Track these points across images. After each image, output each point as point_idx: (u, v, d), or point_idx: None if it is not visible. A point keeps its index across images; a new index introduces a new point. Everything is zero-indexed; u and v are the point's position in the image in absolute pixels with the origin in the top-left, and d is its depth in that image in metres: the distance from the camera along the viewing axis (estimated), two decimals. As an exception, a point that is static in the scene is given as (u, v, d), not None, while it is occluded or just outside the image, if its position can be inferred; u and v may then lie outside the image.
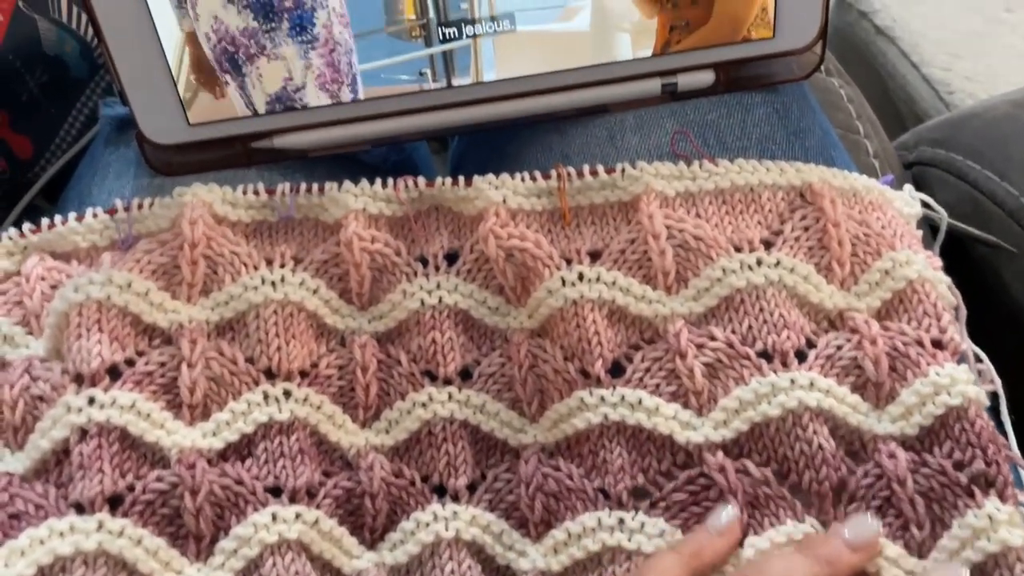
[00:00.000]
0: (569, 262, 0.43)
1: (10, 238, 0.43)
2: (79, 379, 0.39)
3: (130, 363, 0.40)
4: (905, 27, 0.93)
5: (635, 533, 0.39)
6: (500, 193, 0.43)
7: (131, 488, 0.38)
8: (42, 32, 0.54)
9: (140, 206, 0.43)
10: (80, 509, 0.37)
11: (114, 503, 0.38)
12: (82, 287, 0.40)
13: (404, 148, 0.55)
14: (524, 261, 0.43)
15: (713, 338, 0.41)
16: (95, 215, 0.43)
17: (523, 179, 0.44)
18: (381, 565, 0.40)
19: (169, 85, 0.44)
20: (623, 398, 0.40)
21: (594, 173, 0.44)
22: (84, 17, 0.58)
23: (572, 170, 0.44)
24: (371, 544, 0.41)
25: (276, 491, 0.40)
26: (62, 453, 0.38)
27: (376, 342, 0.43)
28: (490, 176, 0.44)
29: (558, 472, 0.41)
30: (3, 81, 0.51)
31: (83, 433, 0.37)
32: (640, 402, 0.40)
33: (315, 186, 0.44)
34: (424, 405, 0.42)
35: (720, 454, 0.39)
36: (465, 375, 0.43)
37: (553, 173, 0.44)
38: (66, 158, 0.55)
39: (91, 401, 0.38)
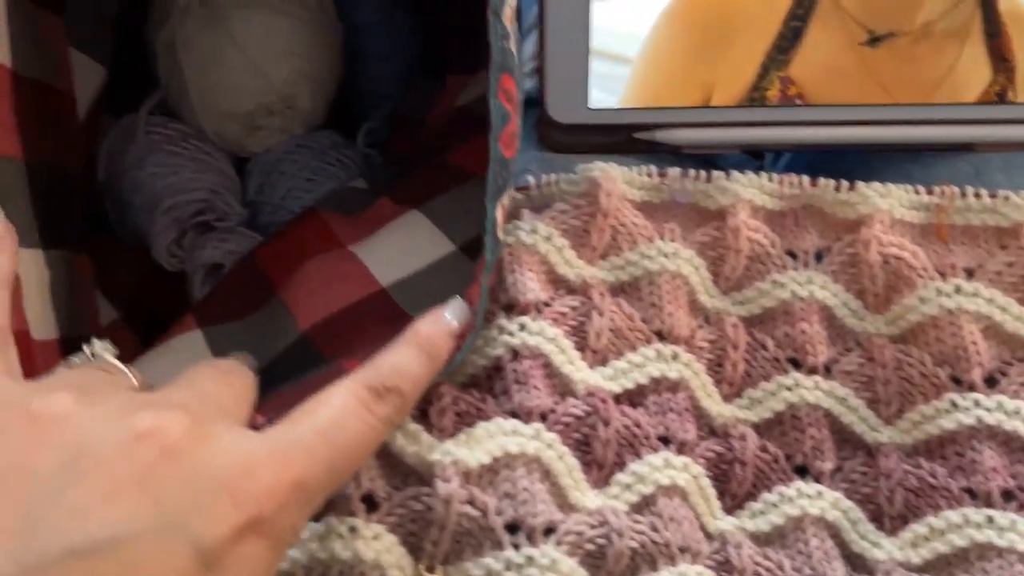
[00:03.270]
0: (943, 276, 0.45)
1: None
2: (509, 308, 0.42)
3: (547, 304, 0.44)
4: None
5: (1006, 531, 0.40)
6: (887, 201, 0.46)
7: (552, 411, 0.41)
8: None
9: (548, 184, 0.47)
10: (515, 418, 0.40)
11: (535, 421, 0.41)
12: (511, 231, 0.44)
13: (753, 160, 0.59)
14: (898, 269, 0.45)
15: (1103, 363, 0.43)
16: (509, 179, 0.48)
17: (905, 191, 0.47)
18: (742, 530, 0.42)
19: (583, 69, 0.49)
20: (1000, 404, 0.42)
21: (978, 195, 0.46)
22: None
23: (957, 189, 0.46)
24: (729, 510, 0.43)
25: (664, 440, 0.42)
26: (493, 369, 0.41)
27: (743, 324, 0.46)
28: (876, 183, 0.47)
29: (919, 470, 0.43)
30: None
31: (515, 353, 0.41)
32: (1018, 411, 0.42)
33: (702, 173, 0.48)
34: (790, 389, 0.44)
35: None
36: (824, 369, 0.46)
37: (937, 189, 0.47)
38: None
39: (522, 327, 0.42)
